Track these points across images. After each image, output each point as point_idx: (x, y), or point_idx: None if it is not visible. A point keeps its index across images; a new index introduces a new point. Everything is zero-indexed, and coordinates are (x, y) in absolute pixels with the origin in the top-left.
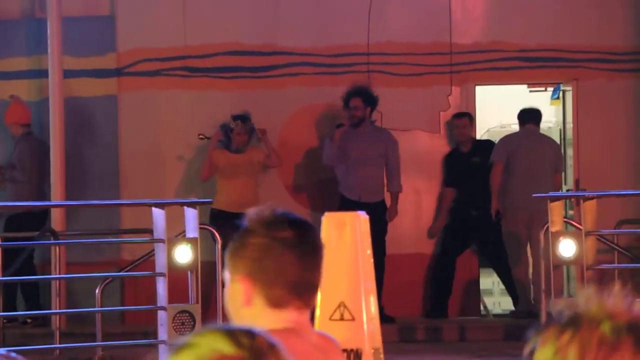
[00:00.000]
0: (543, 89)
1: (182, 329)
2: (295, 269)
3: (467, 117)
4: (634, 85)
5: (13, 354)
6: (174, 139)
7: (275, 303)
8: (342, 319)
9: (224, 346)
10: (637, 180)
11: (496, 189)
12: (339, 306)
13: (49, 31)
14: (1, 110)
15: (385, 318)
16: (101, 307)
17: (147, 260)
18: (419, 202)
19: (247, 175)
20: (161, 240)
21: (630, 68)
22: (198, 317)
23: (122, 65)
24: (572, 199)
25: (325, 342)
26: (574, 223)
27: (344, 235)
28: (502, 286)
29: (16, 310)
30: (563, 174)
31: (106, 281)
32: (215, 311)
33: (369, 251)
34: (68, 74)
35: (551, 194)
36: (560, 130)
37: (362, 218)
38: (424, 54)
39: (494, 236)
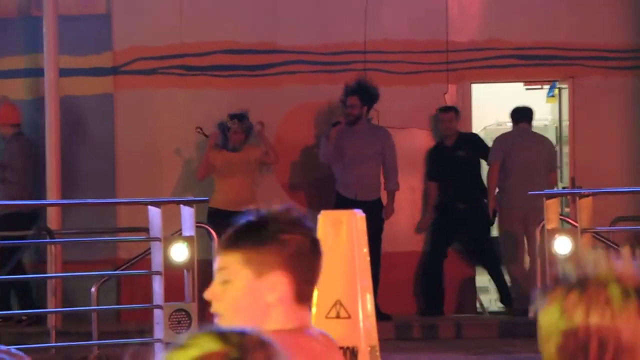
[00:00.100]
0: (539, 86)
1: (178, 328)
2: (319, 268)
3: (453, 112)
4: (630, 82)
5: (14, 350)
6: (171, 138)
7: (303, 299)
8: (338, 317)
9: (213, 344)
10: (633, 177)
11: (493, 189)
12: (335, 304)
13: (44, 29)
14: None
15: (381, 316)
16: (97, 305)
17: (144, 258)
18: (415, 200)
19: (244, 174)
20: (157, 239)
21: (626, 65)
22: (194, 316)
23: (118, 64)
24: (568, 197)
25: (326, 339)
26: (569, 220)
27: (340, 234)
28: None
29: (11, 309)
30: (559, 171)
31: (102, 280)
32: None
33: (365, 249)
34: (64, 72)
35: (547, 191)
36: (557, 128)
37: (358, 216)
38: (420, 52)
39: (481, 232)
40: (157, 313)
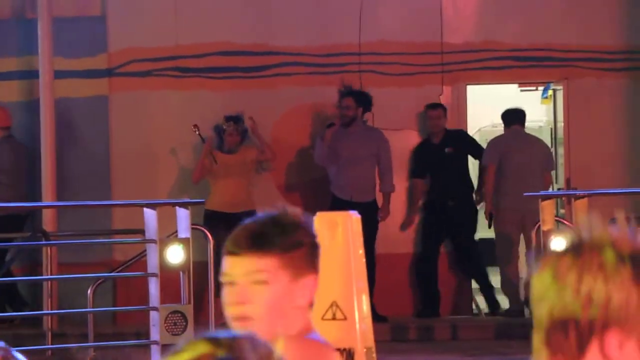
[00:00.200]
0: (534, 88)
1: (174, 330)
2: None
3: (440, 109)
4: (624, 84)
5: (12, 351)
6: (166, 140)
7: (313, 302)
8: (334, 318)
9: (204, 348)
10: (627, 178)
11: (490, 192)
12: (331, 306)
13: (39, 32)
14: None
15: (377, 317)
16: (93, 307)
17: (139, 260)
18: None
19: (240, 176)
20: (153, 241)
21: (620, 67)
22: (190, 318)
23: (113, 66)
24: (564, 198)
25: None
26: (565, 222)
27: (336, 235)
28: (496, 285)
29: (5, 311)
30: (554, 172)
31: (98, 282)
32: (207, 312)
33: (361, 251)
34: (59, 74)
35: (542, 193)
36: (551, 129)
37: (354, 218)
38: (415, 54)
39: (470, 230)
40: (153, 315)
